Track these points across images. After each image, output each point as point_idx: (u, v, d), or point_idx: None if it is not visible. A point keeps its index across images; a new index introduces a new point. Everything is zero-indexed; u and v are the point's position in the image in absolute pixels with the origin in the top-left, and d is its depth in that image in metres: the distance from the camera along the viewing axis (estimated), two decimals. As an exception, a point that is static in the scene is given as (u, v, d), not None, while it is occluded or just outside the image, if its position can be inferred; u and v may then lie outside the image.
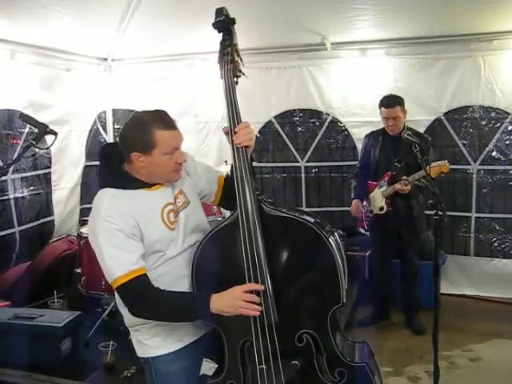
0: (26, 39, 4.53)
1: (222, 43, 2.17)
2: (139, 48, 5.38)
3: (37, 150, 4.97)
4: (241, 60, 2.17)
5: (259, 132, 5.70)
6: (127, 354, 3.45)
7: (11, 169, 4.89)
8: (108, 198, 2.03)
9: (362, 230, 4.68)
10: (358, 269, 5.03)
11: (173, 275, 2.10)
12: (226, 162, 4.96)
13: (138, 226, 2.01)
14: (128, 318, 2.14)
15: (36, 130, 2.70)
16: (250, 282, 1.97)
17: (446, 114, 5.16)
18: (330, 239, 1.99)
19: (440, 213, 2.81)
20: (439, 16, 4.48)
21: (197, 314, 2.04)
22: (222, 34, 2.17)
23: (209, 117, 5.66)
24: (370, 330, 4.50)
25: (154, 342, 2.15)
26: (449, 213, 4.70)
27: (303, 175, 5.74)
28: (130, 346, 3.46)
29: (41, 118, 4.77)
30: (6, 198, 4.88)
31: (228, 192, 2.21)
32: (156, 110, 2.07)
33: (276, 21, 4.61)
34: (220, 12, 2.12)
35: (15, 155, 4.87)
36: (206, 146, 5.72)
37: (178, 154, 2.06)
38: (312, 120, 5.65)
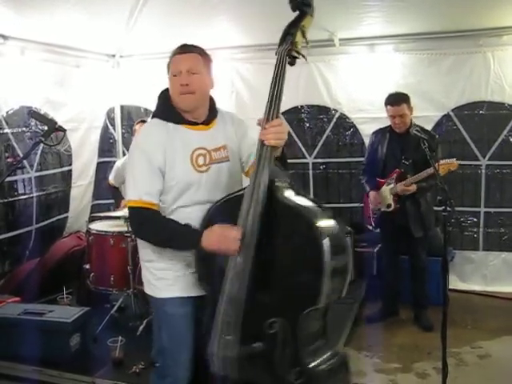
0: (35, 36, 4.55)
1: (291, 23, 2.16)
2: (147, 44, 5.38)
3: (58, 147, 5.10)
4: (307, 43, 2.17)
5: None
6: (136, 349, 3.50)
7: (35, 167, 5.00)
8: (149, 125, 2.34)
9: (370, 227, 4.68)
10: (367, 265, 5.02)
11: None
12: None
13: (165, 158, 2.18)
14: (140, 251, 2.40)
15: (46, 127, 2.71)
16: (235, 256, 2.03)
17: (454, 109, 5.13)
18: (325, 241, 1.92)
19: (449, 209, 2.80)
20: (448, 11, 4.45)
21: (188, 243, 2.17)
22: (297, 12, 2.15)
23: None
24: (379, 326, 4.48)
25: (161, 284, 2.33)
26: (458, 208, 4.69)
27: (311, 172, 5.73)
28: (138, 341, 3.51)
29: (58, 116, 4.87)
30: (26, 196, 4.97)
31: None
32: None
33: (283, 17, 4.59)
34: None
35: (38, 153, 5.02)
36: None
37: (183, 77, 2.19)
38: (320, 116, 5.64)
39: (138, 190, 2.19)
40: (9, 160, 4.70)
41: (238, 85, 5.51)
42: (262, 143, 2.02)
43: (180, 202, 2.25)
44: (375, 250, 5.01)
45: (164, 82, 2.32)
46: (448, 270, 2.98)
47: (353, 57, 5.28)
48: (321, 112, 5.62)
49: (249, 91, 5.55)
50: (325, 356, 2.10)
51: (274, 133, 2.01)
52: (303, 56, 2.17)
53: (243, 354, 2.05)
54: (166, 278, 2.31)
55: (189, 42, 2.31)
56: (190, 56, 2.22)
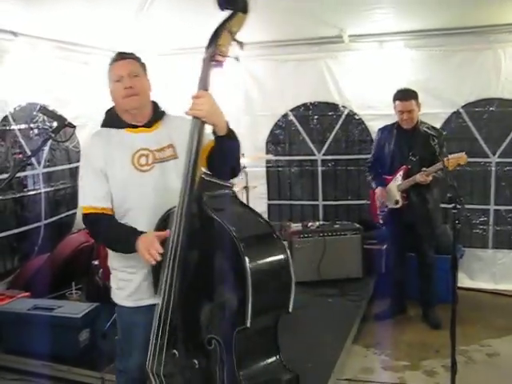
0: (44, 33, 4.56)
1: (218, 24, 2.03)
2: (155, 42, 5.38)
3: (67, 143, 5.12)
4: (239, 44, 2.03)
5: (275, 125, 5.69)
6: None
7: (42, 163, 5.02)
8: (93, 134, 2.43)
9: (378, 224, 4.66)
10: (376, 262, 5.01)
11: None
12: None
13: (106, 161, 2.26)
14: (108, 258, 2.44)
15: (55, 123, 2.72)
16: (167, 267, 2.00)
17: (464, 106, 5.11)
18: (248, 257, 1.82)
19: (458, 206, 2.79)
20: (458, 7, 4.41)
21: (128, 246, 2.17)
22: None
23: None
24: (387, 323, 4.48)
25: (119, 293, 2.43)
26: (467, 206, 4.68)
27: (320, 168, 5.73)
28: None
29: (66, 112, 4.87)
30: (34, 192, 4.99)
31: (209, 161, 2.21)
32: None
33: (293, 13, 4.57)
34: None
35: (46, 149, 5.04)
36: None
37: (125, 81, 2.27)
38: (329, 113, 5.64)
39: (86, 197, 2.30)
40: (18, 156, 4.73)
41: (246, 82, 5.49)
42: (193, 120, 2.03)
43: (127, 204, 2.26)
44: (384, 247, 5.00)
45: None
46: (457, 268, 2.96)
47: (362, 53, 5.26)
48: (329, 109, 5.61)
49: (257, 88, 5.55)
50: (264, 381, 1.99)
51: (193, 104, 2.01)
52: (235, 58, 2.10)
53: (173, 371, 2.03)
54: (124, 288, 2.39)
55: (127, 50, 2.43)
56: (128, 61, 2.34)
